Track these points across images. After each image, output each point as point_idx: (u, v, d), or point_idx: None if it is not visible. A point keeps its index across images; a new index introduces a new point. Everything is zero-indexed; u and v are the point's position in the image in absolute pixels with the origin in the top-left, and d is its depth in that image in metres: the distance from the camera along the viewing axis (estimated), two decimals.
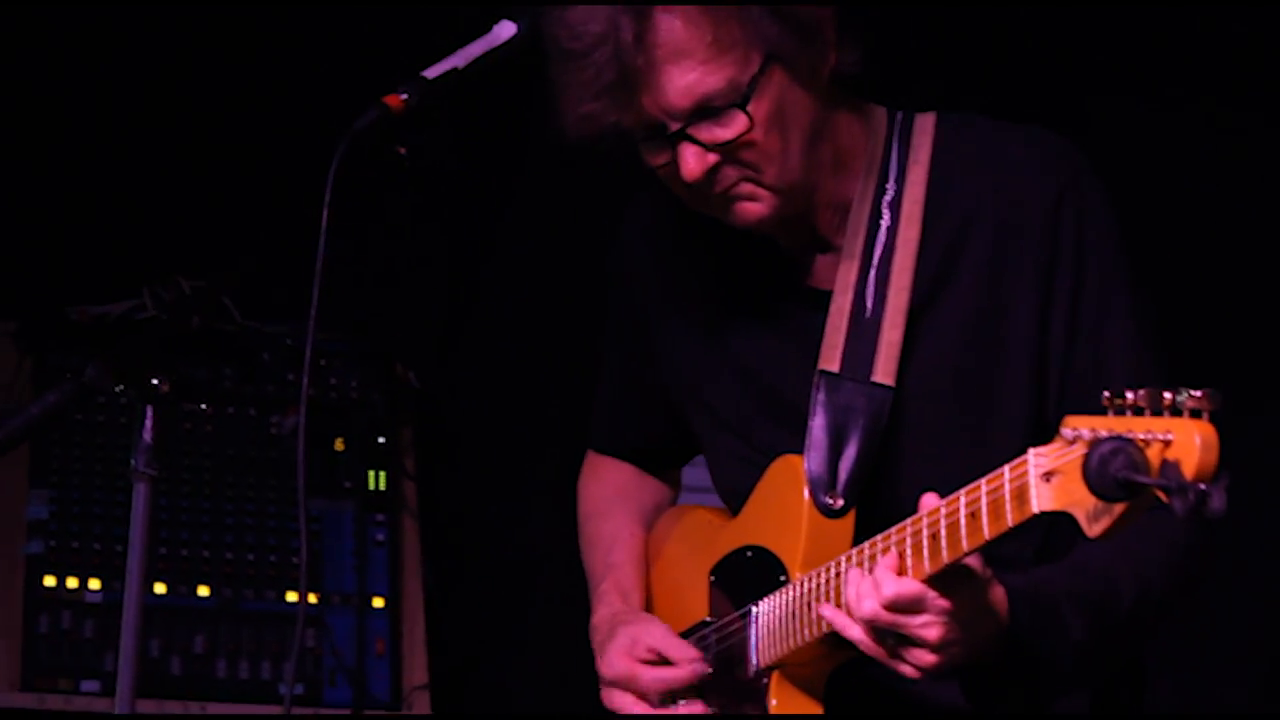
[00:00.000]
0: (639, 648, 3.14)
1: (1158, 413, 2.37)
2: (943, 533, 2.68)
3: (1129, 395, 2.39)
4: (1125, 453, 2.34)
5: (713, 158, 2.92)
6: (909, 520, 2.75)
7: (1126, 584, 2.89)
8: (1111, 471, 2.35)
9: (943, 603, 2.71)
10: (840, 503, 2.98)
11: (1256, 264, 4.52)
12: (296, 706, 4.57)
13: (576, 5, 2.92)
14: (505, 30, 3.04)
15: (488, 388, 5.19)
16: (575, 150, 4.85)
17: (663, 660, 3.13)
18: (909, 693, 2.97)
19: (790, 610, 2.95)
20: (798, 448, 3.02)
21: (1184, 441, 2.33)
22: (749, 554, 3.09)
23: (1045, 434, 2.74)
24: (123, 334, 4.68)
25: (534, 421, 5.05)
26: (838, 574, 2.86)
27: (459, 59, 3.00)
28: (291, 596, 4.71)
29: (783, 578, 3.00)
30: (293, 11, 4.96)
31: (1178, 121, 4.58)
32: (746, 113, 2.90)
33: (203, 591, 4.66)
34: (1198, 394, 2.35)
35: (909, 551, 2.73)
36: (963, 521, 2.64)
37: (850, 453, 2.98)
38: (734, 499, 3.17)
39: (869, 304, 3.01)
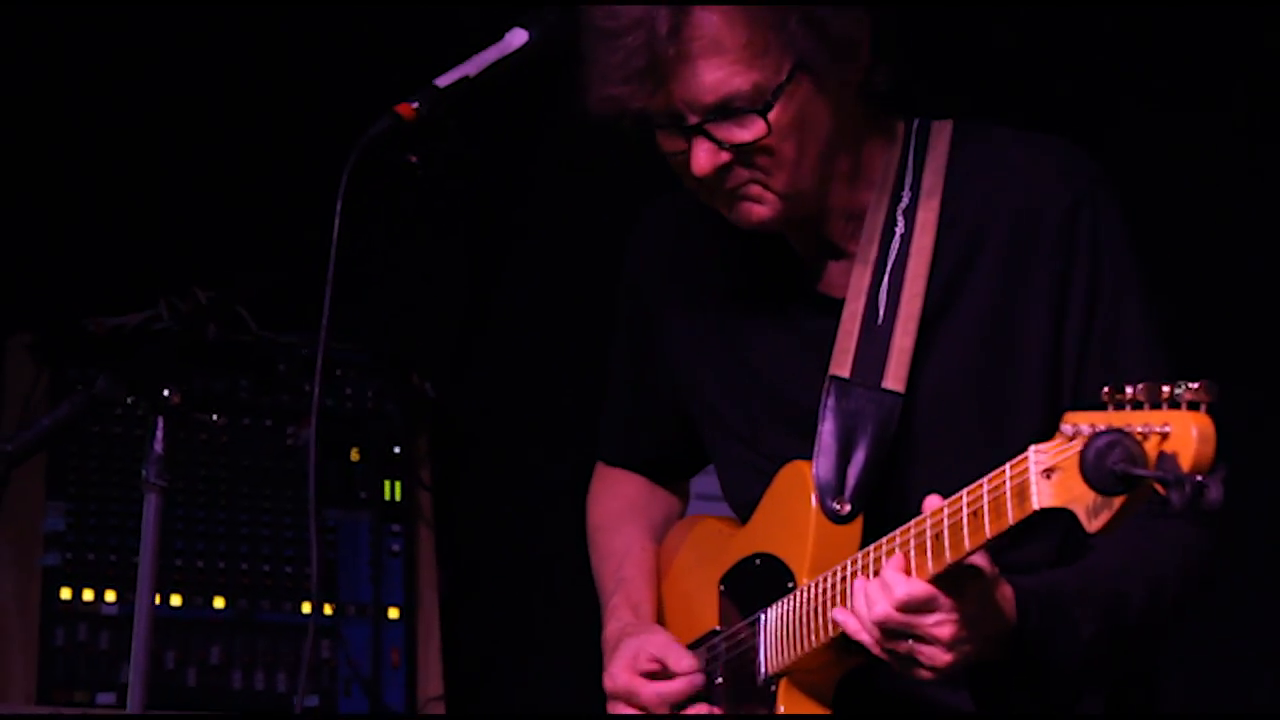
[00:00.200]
0: (642, 658, 3.14)
1: (1156, 406, 2.37)
2: (946, 532, 2.68)
3: (1128, 390, 2.39)
4: (1122, 446, 2.34)
5: (725, 156, 2.93)
6: (913, 522, 2.75)
7: (1138, 586, 2.88)
8: (1108, 465, 2.35)
9: (953, 601, 2.71)
10: (848, 508, 2.98)
11: (1274, 271, 4.51)
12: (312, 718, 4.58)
13: None
14: (517, 38, 3.03)
15: (503, 398, 5.19)
16: (591, 153, 4.91)
17: (665, 670, 3.13)
18: (916, 699, 2.97)
19: (798, 616, 2.95)
20: (807, 454, 3.02)
21: (1181, 434, 2.33)
22: (757, 562, 3.09)
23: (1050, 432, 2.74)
24: (136, 345, 4.68)
25: (549, 432, 5.04)
26: (844, 578, 2.85)
27: (471, 67, 2.99)
28: (307, 608, 4.70)
29: (790, 584, 3.00)
30: (308, 22, 4.96)
31: (1200, 130, 4.57)
32: (766, 120, 2.90)
33: (218, 603, 4.66)
34: (1195, 386, 2.35)
35: (913, 552, 2.73)
36: (965, 520, 2.65)
37: (859, 458, 2.98)
38: (744, 508, 3.17)
39: (881, 310, 3.01)
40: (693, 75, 2.89)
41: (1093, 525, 2.45)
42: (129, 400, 2.77)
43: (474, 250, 5.25)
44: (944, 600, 2.71)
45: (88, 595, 4.58)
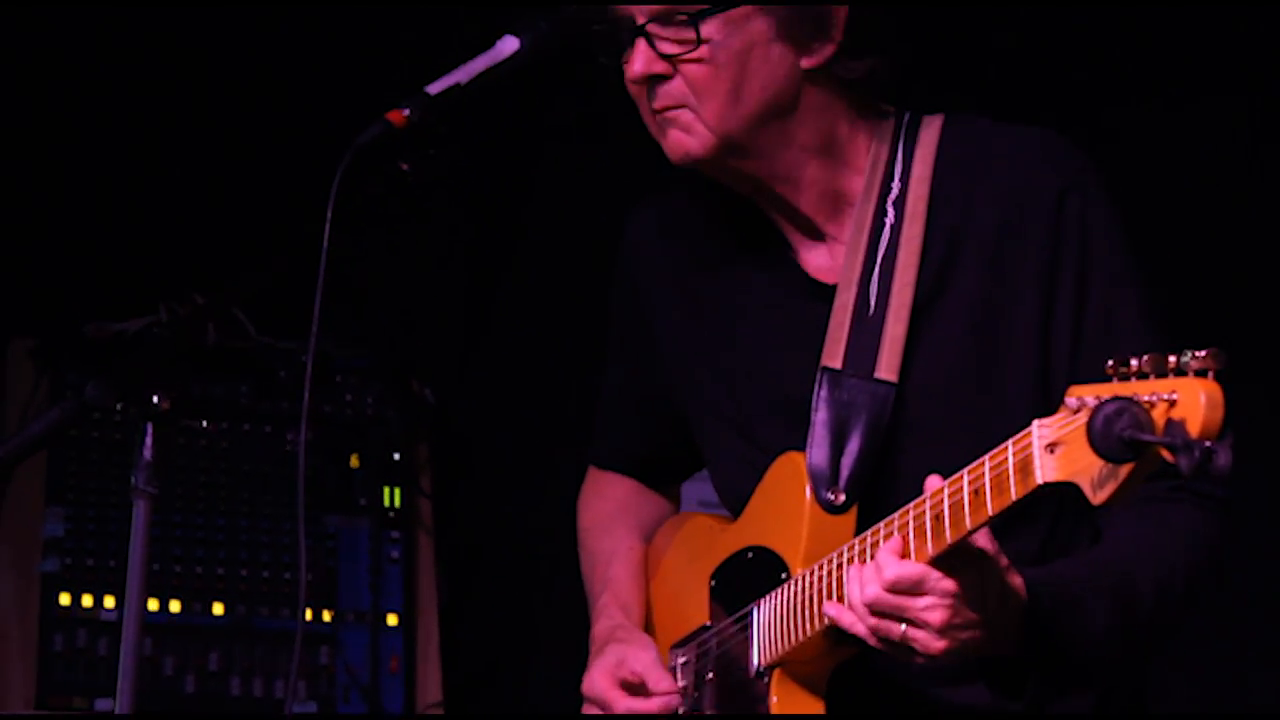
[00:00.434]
0: (623, 669, 3.15)
1: (1162, 376, 2.36)
2: (946, 513, 2.66)
3: (1133, 363, 2.38)
4: (1130, 412, 2.33)
5: (660, 66, 2.97)
6: (911, 504, 2.74)
7: (1147, 580, 2.87)
8: (1116, 431, 2.33)
9: (947, 584, 2.69)
10: (842, 498, 2.98)
11: (1271, 268, 4.51)
12: None
13: None
14: (508, 45, 3.04)
15: (504, 405, 5.19)
16: (591, 158, 4.92)
17: (643, 687, 3.13)
18: (911, 692, 2.96)
19: (791, 606, 2.94)
20: (800, 444, 3.02)
21: (1189, 400, 2.32)
22: (750, 555, 3.08)
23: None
24: (128, 351, 4.69)
25: (550, 438, 5.04)
26: (839, 565, 2.85)
27: (462, 74, 2.99)
28: (307, 614, 4.71)
29: (784, 575, 2.99)
30: (307, 28, 4.97)
31: (1192, 126, 4.57)
32: (697, 30, 2.94)
33: (217, 609, 4.66)
34: (1202, 354, 2.34)
35: (912, 535, 2.72)
36: (966, 499, 2.63)
37: (853, 448, 2.98)
38: (737, 501, 3.17)
39: (873, 300, 3.02)
40: None
41: (1098, 497, 2.42)
42: (118, 406, 2.76)
43: (474, 257, 5.26)
44: (936, 584, 2.69)
45: (87, 601, 4.58)
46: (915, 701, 2.98)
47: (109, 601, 4.59)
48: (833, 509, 2.97)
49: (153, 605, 4.61)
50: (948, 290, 3.01)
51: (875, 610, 2.74)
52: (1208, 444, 2.28)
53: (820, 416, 3.00)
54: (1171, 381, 2.34)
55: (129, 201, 4.98)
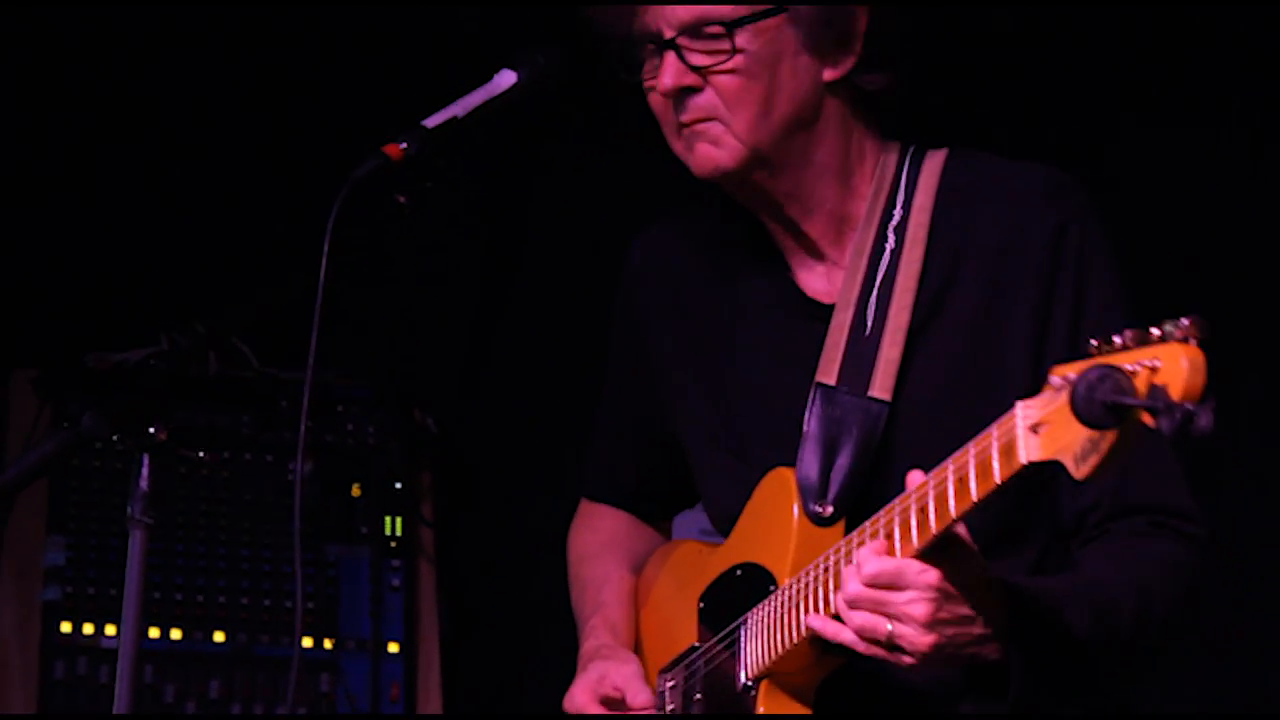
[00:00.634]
0: (604, 684, 3.16)
1: (1145, 346, 2.38)
2: (931, 504, 2.67)
3: (1116, 340, 2.40)
4: (1112, 378, 2.34)
5: (691, 78, 2.99)
6: (896, 500, 2.75)
7: (1127, 600, 2.87)
8: (1099, 397, 2.35)
9: (929, 577, 2.69)
10: (830, 510, 2.99)
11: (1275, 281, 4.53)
12: None
13: None
14: (506, 79, 3.06)
15: (505, 434, 5.20)
16: (593, 188, 4.93)
17: (622, 701, 3.14)
18: (899, 702, 2.96)
19: (777, 616, 2.95)
20: (792, 462, 3.03)
21: (1171, 365, 2.33)
22: (738, 573, 3.09)
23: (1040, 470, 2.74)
24: (125, 382, 4.71)
25: (551, 467, 5.04)
26: (824, 570, 2.85)
27: (459, 108, 3.02)
28: (308, 642, 4.72)
29: (772, 587, 3.00)
30: (309, 58, 5.00)
31: (1200, 143, 4.60)
32: (732, 39, 2.96)
33: (218, 637, 4.67)
34: (1185, 322, 2.35)
35: (897, 531, 2.73)
36: (951, 487, 2.64)
37: (842, 463, 3.00)
38: (727, 523, 3.18)
39: (869, 321, 3.04)
40: None
41: (1081, 471, 2.43)
42: (114, 437, 2.78)
43: (475, 286, 5.27)
44: (917, 577, 2.69)
45: (88, 629, 4.60)
46: (904, 713, 2.99)
47: (110, 630, 4.60)
48: (821, 521, 2.98)
49: (154, 633, 4.62)
50: (944, 314, 3.03)
51: (856, 607, 2.73)
52: (1189, 407, 2.29)
53: (812, 430, 3.02)
54: (1154, 349, 2.36)
55: (131, 233, 5.00)
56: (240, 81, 5.01)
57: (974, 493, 2.60)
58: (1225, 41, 4.56)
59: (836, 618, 2.81)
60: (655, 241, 3.33)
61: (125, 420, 2.78)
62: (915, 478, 2.73)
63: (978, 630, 2.74)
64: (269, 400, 4.85)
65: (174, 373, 3.10)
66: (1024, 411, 2.52)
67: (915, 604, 2.70)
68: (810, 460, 3.01)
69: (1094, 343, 2.42)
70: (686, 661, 3.16)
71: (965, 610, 2.72)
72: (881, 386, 3.00)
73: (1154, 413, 2.31)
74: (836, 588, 2.82)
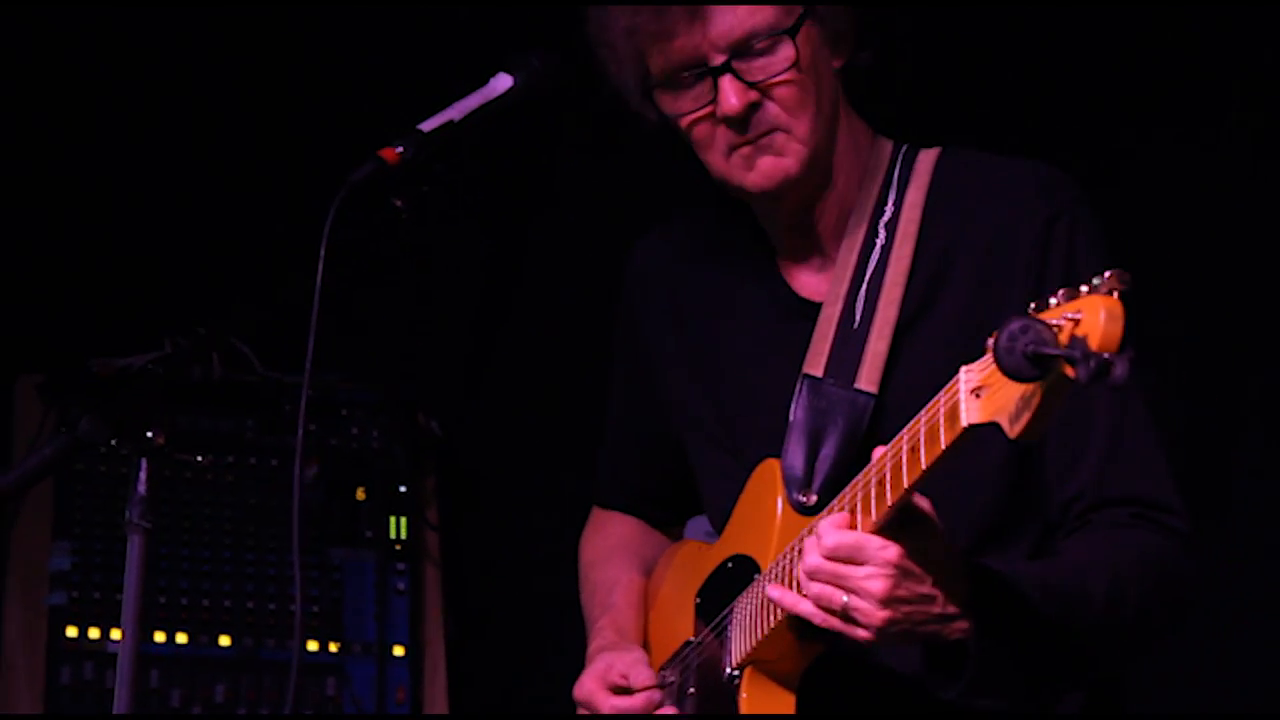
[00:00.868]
0: (612, 673, 3.17)
1: (1073, 301, 2.40)
2: (888, 475, 2.69)
3: (1051, 300, 2.43)
4: (1033, 330, 2.37)
5: (753, 95, 3.00)
6: (859, 474, 2.76)
7: (1098, 584, 2.86)
8: (1019, 349, 2.38)
9: (889, 553, 2.70)
10: (814, 499, 3.00)
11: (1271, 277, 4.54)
12: None
13: None
14: (502, 83, 3.07)
15: (510, 437, 5.21)
16: (598, 191, 4.94)
17: (628, 686, 3.15)
18: (884, 692, 2.97)
19: (760, 600, 2.96)
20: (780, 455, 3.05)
21: (1090, 317, 2.36)
22: (729, 565, 3.11)
23: (1026, 459, 2.77)
24: (123, 386, 4.72)
25: (556, 471, 5.06)
26: (798, 551, 2.86)
27: (455, 112, 3.02)
28: (313, 646, 4.73)
29: (756, 576, 3.02)
30: (311, 62, 5.02)
31: (1203, 147, 4.60)
32: (795, 43, 2.98)
33: (223, 641, 4.68)
34: (1108, 275, 2.38)
35: (859, 505, 2.74)
36: (904, 457, 2.65)
37: (827, 453, 3.01)
38: (723, 519, 3.20)
39: (858, 315, 3.06)
40: (720, 11, 2.98)
41: (1014, 430, 2.45)
42: (112, 442, 2.79)
43: (480, 290, 5.28)
44: (876, 552, 2.70)
45: (93, 634, 4.61)
46: (888, 701, 2.99)
47: (115, 634, 4.61)
48: (805, 510, 3.00)
49: (159, 637, 4.63)
50: (933, 309, 3.04)
51: (815, 578, 2.74)
52: (1106, 356, 2.31)
53: (797, 420, 3.04)
54: (1076, 303, 2.39)
55: (135, 238, 5.02)
56: (242, 87, 5.02)
57: (923, 460, 2.61)
58: (1226, 43, 4.57)
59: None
60: (653, 247, 3.35)
61: (123, 425, 2.79)
62: (877, 452, 2.74)
63: (936, 609, 2.74)
64: (273, 404, 4.86)
65: (177, 377, 3.09)
66: (966, 376, 2.55)
67: (873, 579, 2.70)
68: (795, 450, 3.03)
69: (1032, 304, 2.44)
70: (682, 655, 3.18)
71: (924, 589, 2.72)
72: (868, 379, 3.02)
73: (1072, 362, 2.33)
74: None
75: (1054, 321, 2.38)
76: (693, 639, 3.16)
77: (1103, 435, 2.95)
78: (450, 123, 3.00)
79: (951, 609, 2.75)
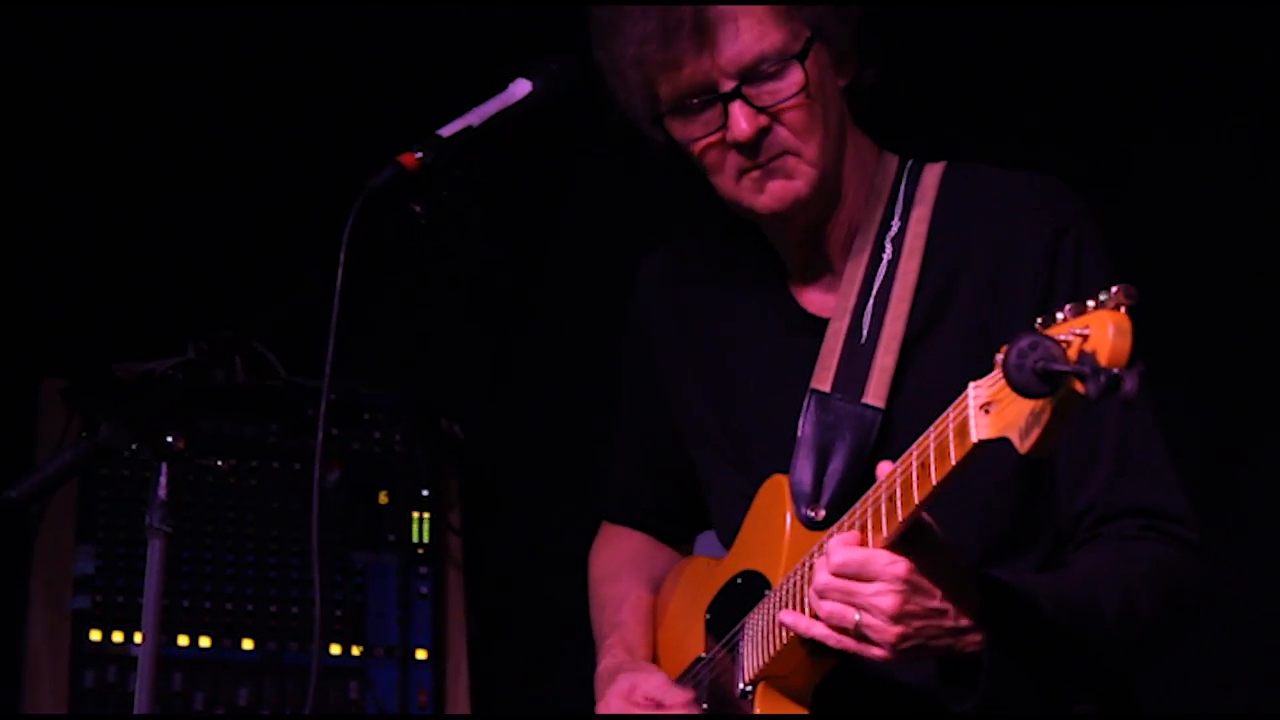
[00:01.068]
0: (636, 694, 3.16)
1: (1080, 317, 2.41)
2: (898, 491, 2.69)
3: (1058, 315, 2.43)
4: (1042, 346, 2.38)
5: (763, 120, 3.00)
6: (869, 491, 2.76)
7: (1110, 596, 2.86)
8: (1029, 365, 2.38)
9: (897, 569, 2.70)
10: (822, 514, 3.00)
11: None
12: None
13: None
14: (520, 88, 3.08)
15: (532, 440, 5.22)
16: (620, 196, 4.95)
17: (660, 707, 3.14)
18: (896, 705, 2.98)
19: (769, 619, 2.97)
20: (788, 470, 3.06)
21: (1099, 332, 2.37)
22: (739, 581, 3.11)
23: (1036, 472, 2.75)
24: (143, 391, 4.73)
25: (578, 473, 5.06)
26: (810, 567, 2.87)
27: (474, 117, 3.03)
28: (336, 650, 4.74)
29: (767, 591, 3.02)
30: (335, 67, 5.03)
31: (1211, 152, 4.60)
32: (804, 67, 2.98)
33: (247, 645, 4.70)
34: (1114, 290, 2.39)
35: (870, 523, 2.74)
36: (914, 473, 2.65)
37: (835, 468, 3.02)
38: (733, 534, 3.20)
39: (865, 330, 3.06)
40: (726, 38, 2.98)
41: (1024, 445, 2.45)
42: (132, 447, 2.80)
43: (501, 294, 5.29)
44: (885, 568, 2.70)
45: (117, 637, 4.63)
46: (900, 714, 2.99)
47: (139, 638, 4.59)
48: (813, 525, 3.00)
49: (183, 640, 4.65)
50: (940, 324, 3.05)
51: (825, 597, 2.74)
52: (1115, 371, 2.32)
53: (806, 436, 3.05)
54: (1084, 318, 2.40)
55: (159, 243, 5.03)
56: (264, 94, 5.03)
57: (934, 476, 2.62)
58: (1229, 45, 4.57)
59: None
60: (661, 263, 3.36)
61: (143, 430, 2.80)
62: (884, 468, 2.75)
63: (948, 623, 2.74)
64: (296, 409, 4.87)
65: (200, 382, 3.11)
66: (975, 392, 2.56)
67: (882, 595, 2.70)
68: (804, 465, 3.03)
69: (1039, 319, 2.45)
70: (694, 672, 3.18)
71: (934, 604, 2.72)
72: (876, 394, 3.02)
73: (1082, 378, 2.34)
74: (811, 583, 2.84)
75: (1062, 337, 2.39)
76: (704, 655, 3.17)
77: (1111, 447, 2.96)
78: (469, 128, 3.01)
79: (964, 621, 2.75)
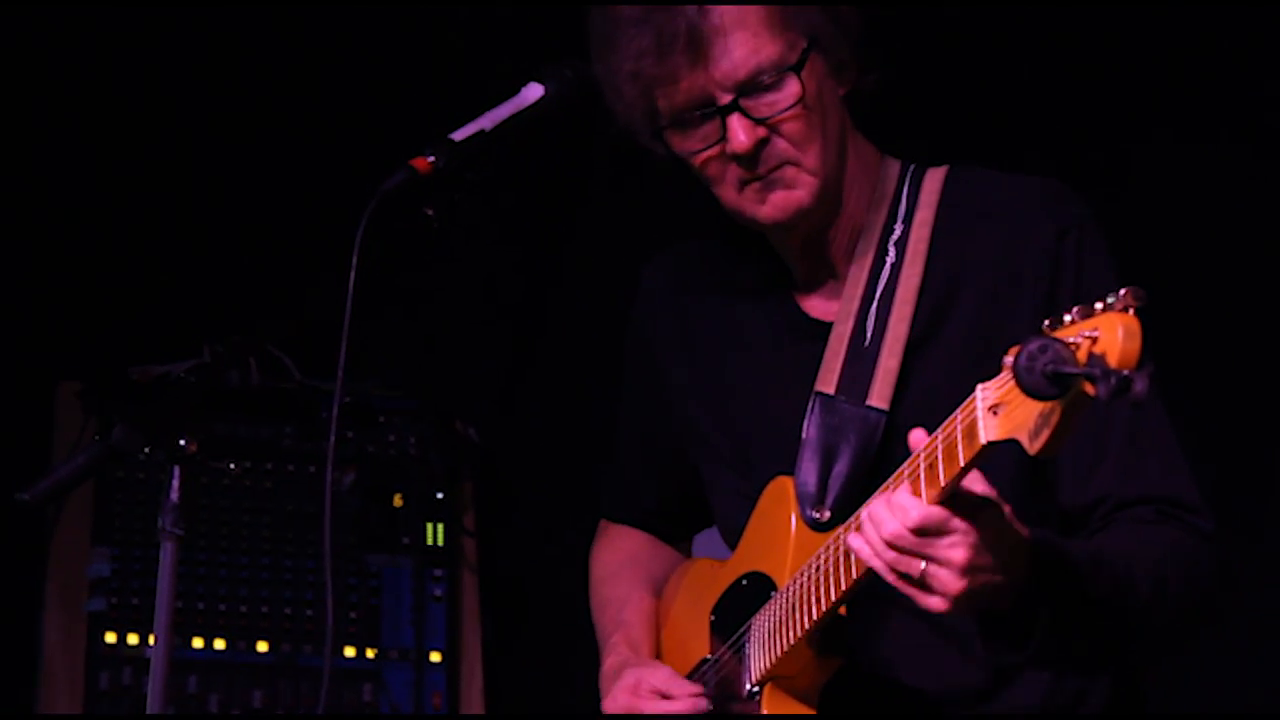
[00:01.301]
0: (643, 687, 3.17)
1: (1089, 319, 2.41)
2: (905, 485, 2.69)
3: (1066, 317, 2.44)
4: (1052, 349, 2.39)
5: (761, 131, 3.00)
6: (878, 490, 2.76)
7: (1145, 570, 2.87)
8: (1039, 367, 2.39)
9: (967, 524, 2.68)
10: (827, 515, 3.01)
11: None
12: None
13: None
14: (533, 92, 3.08)
15: (547, 443, 5.22)
16: (635, 198, 4.95)
17: (667, 698, 3.15)
18: (903, 704, 2.99)
19: (778, 618, 2.97)
20: (792, 473, 3.06)
21: (1108, 334, 2.37)
22: (744, 582, 3.12)
23: (1038, 465, 2.75)
24: (156, 394, 4.74)
25: (592, 477, 5.06)
26: (816, 569, 2.87)
27: (486, 121, 3.04)
28: (350, 652, 4.75)
29: (773, 593, 3.03)
30: (349, 72, 5.04)
31: (1216, 157, 4.60)
32: (800, 78, 2.98)
33: (261, 647, 4.71)
34: (1123, 292, 2.40)
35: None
36: (923, 475, 2.66)
37: (840, 469, 3.02)
38: (736, 536, 3.20)
39: (869, 333, 3.07)
40: (723, 51, 2.98)
41: (1034, 446, 2.47)
42: (146, 450, 2.81)
43: (517, 297, 5.29)
44: (960, 523, 2.68)
45: (132, 640, 4.64)
46: (908, 714, 3.00)
47: (154, 640, 4.62)
48: (819, 526, 3.01)
49: (197, 643, 4.66)
50: (944, 326, 3.05)
51: (895, 546, 2.71)
52: (1125, 373, 2.32)
53: (810, 438, 3.05)
54: (1093, 320, 2.40)
55: (175, 246, 5.04)
56: (279, 97, 5.04)
57: (942, 478, 2.63)
58: (1229, 45, 4.56)
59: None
60: (664, 268, 3.37)
61: (156, 433, 2.81)
62: (918, 436, 2.73)
63: (999, 578, 2.73)
64: (311, 412, 4.88)
65: (215, 384, 3.11)
66: (983, 394, 2.56)
67: (956, 548, 2.68)
68: (809, 467, 3.04)
69: (1046, 321, 2.46)
70: (699, 674, 3.19)
71: (994, 560, 2.71)
72: (880, 396, 3.02)
73: (1092, 380, 2.35)
74: (830, 587, 2.84)
75: (1071, 340, 2.39)
76: (709, 656, 3.17)
77: (1121, 439, 2.97)
78: (482, 132, 3.02)
79: (1007, 579, 2.74)
